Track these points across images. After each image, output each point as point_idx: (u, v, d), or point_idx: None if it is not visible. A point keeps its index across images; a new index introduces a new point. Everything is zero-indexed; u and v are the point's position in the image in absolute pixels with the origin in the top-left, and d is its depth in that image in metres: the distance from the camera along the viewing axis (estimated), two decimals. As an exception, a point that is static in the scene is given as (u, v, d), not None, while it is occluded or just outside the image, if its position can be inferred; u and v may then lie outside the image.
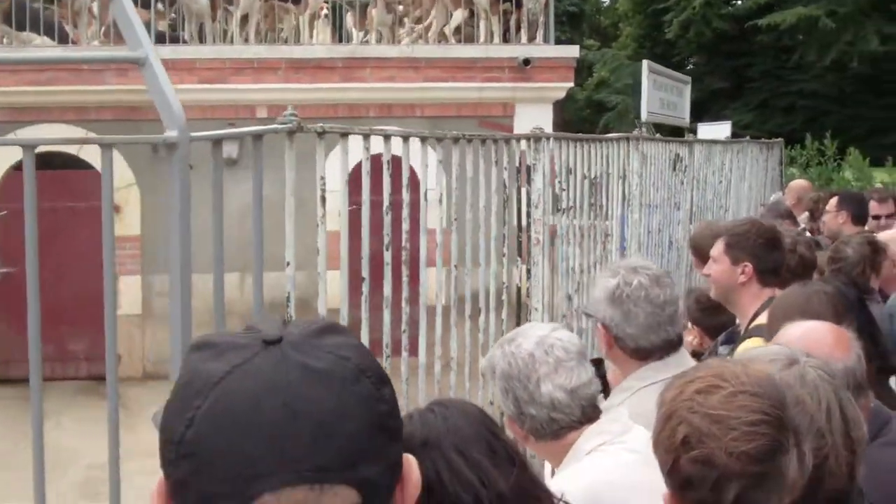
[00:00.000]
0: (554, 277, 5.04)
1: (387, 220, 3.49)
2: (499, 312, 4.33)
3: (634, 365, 3.05)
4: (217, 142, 2.63)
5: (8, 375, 11.97)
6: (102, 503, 2.52)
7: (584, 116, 34.55)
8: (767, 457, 1.61)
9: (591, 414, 2.53)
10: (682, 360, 3.08)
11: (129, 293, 12.06)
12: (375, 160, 3.36)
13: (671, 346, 3.06)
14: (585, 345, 3.64)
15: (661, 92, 9.65)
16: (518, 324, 4.38)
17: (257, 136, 2.77)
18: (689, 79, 10.75)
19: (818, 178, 18.45)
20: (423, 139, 3.75)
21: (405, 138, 3.59)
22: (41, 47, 12.20)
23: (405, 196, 3.58)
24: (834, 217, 7.15)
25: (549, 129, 13.64)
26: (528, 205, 4.69)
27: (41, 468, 2.43)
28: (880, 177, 18.75)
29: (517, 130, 13.14)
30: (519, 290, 4.54)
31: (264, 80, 12.44)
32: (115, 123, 12.18)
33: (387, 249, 3.49)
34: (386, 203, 3.48)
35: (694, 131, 12.69)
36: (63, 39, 12.61)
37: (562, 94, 14.20)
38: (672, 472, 1.68)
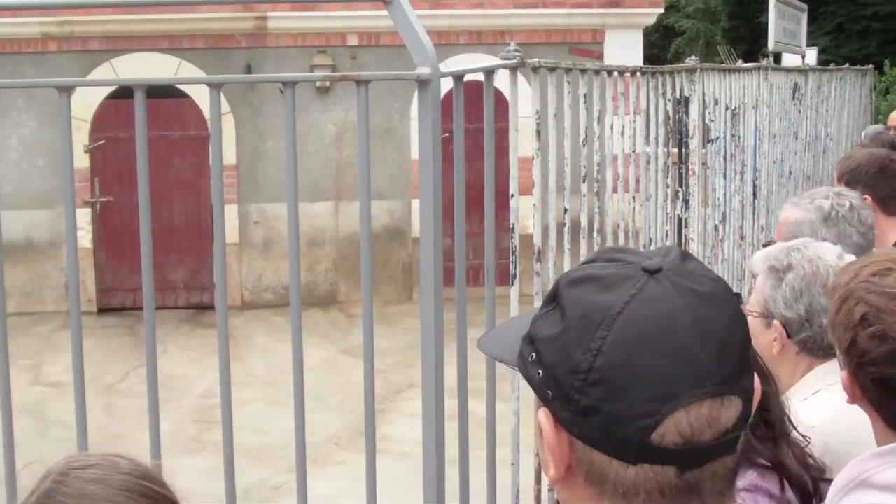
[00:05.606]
0: (705, 208, 5.07)
1: (584, 150, 3.54)
2: (664, 242, 4.36)
3: None
4: (459, 77, 2.67)
5: (109, 305, 12.23)
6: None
7: (654, 41, 33.94)
8: None
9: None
10: None
11: (225, 222, 12.18)
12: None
13: None
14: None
15: (784, 21, 9.45)
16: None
17: (489, 73, 2.80)
18: (805, 6, 10.48)
19: (900, 105, 18.04)
20: (609, 72, 3.76)
21: (597, 72, 3.62)
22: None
23: (595, 129, 3.60)
24: None
25: (639, 56, 13.51)
26: (686, 135, 4.70)
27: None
28: (965, 104, 18.28)
29: (608, 58, 13.00)
30: (680, 219, 4.57)
31: (355, 7, 12.41)
32: (207, 52, 12.25)
33: (584, 181, 3.55)
34: (582, 136, 3.53)
35: (777, 58, 12.43)
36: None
37: (652, 21, 13.97)
38: (850, 351, 1.72)
